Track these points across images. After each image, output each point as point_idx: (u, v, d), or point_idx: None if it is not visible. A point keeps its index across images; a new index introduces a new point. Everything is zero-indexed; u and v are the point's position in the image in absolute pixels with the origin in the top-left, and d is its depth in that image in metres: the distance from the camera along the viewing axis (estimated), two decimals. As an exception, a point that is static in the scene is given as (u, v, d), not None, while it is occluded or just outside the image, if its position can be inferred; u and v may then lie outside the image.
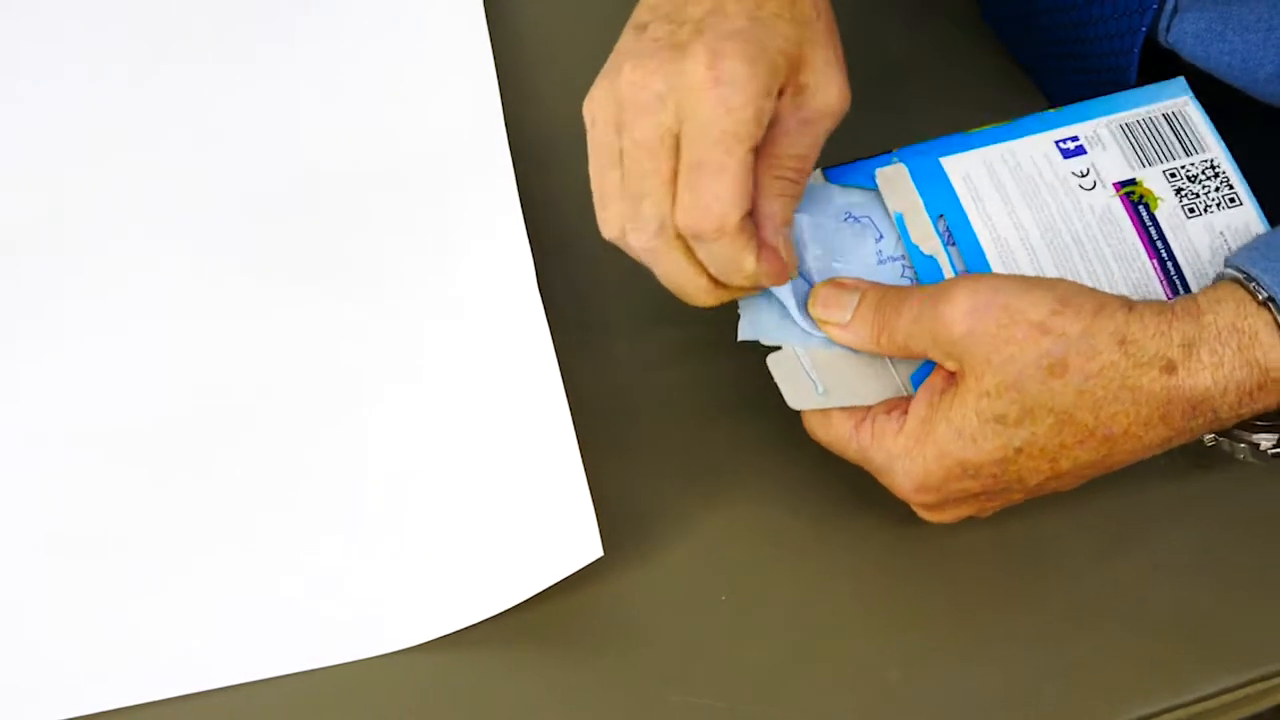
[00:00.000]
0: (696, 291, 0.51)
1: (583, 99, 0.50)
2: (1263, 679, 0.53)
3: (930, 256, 0.53)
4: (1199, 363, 0.47)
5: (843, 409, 0.52)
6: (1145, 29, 0.59)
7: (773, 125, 0.49)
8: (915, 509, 0.52)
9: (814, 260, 0.53)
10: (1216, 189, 0.53)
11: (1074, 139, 0.54)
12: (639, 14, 0.51)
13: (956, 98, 0.67)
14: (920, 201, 0.53)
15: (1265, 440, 0.50)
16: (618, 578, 0.54)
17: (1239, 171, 0.54)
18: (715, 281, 0.50)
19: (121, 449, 0.57)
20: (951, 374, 0.49)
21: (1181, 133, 0.54)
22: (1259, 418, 0.49)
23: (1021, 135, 0.55)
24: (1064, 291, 0.48)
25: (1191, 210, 0.53)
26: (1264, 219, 0.53)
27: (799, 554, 0.55)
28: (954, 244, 0.53)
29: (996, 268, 0.52)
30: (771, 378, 0.53)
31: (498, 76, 0.66)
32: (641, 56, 0.48)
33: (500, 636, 0.53)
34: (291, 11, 0.70)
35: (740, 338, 0.53)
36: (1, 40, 0.69)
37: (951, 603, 0.54)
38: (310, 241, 0.62)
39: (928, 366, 0.51)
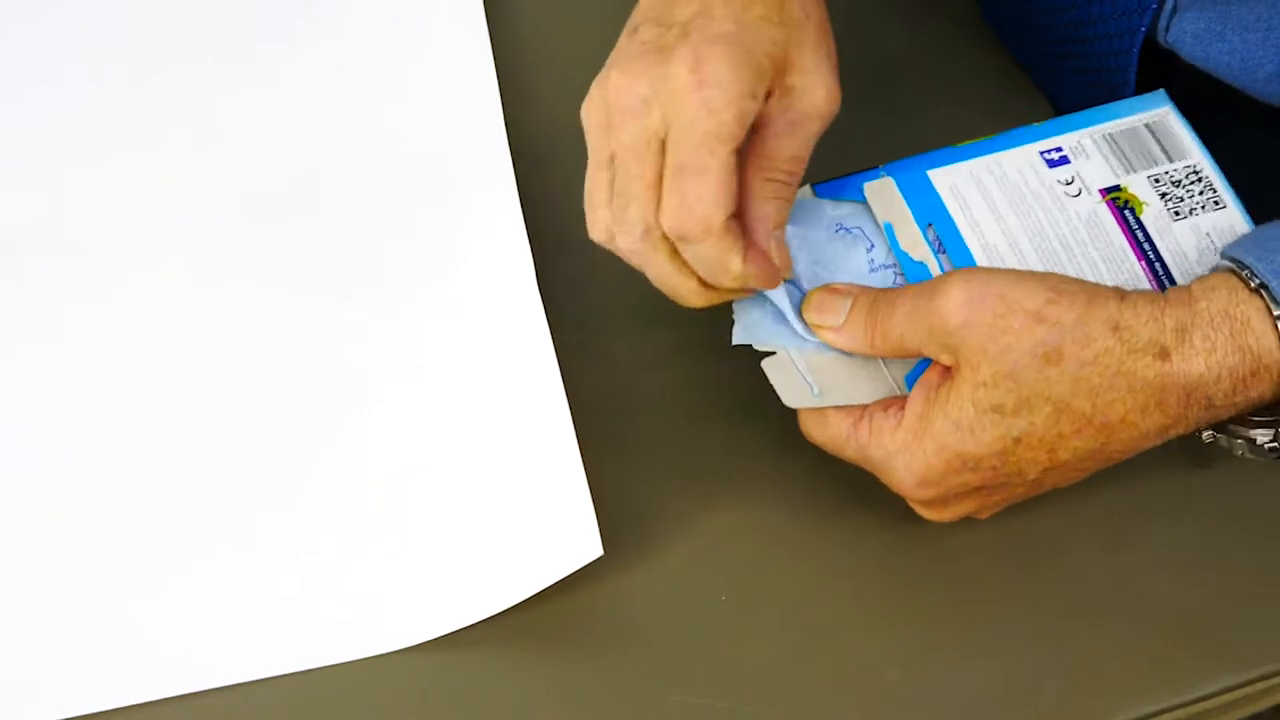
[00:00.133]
0: (687, 293, 0.51)
1: (582, 99, 0.50)
2: (1263, 678, 0.53)
3: (920, 263, 0.53)
4: (1192, 348, 0.47)
5: (839, 408, 0.52)
6: (1144, 29, 0.59)
7: (762, 128, 0.49)
8: (915, 507, 0.52)
9: (806, 269, 0.53)
10: (1200, 192, 0.54)
11: (1058, 149, 0.55)
12: (634, 16, 0.51)
13: (956, 98, 0.67)
14: (909, 212, 0.54)
15: (1262, 435, 0.50)
16: (617, 578, 0.54)
17: (1222, 176, 0.54)
18: (705, 283, 0.50)
19: (121, 449, 0.57)
20: (947, 369, 0.49)
21: (1163, 141, 0.55)
22: (1255, 413, 0.50)
23: (1006, 148, 0.55)
24: (1057, 281, 0.48)
25: (1177, 213, 0.54)
26: (1249, 220, 0.54)
27: (799, 554, 0.55)
28: (943, 251, 0.53)
29: None
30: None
31: (498, 77, 0.67)
32: (629, 60, 0.48)
33: (500, 636, 0.53)
34: (291, 12, 0.70)
35: (734, 342, 0.53)
36: (1, 40, 0.69)
37: (951, 602, 0.54)
38: (310, 242, 0.62)
39: (921, 366, 0.51)
